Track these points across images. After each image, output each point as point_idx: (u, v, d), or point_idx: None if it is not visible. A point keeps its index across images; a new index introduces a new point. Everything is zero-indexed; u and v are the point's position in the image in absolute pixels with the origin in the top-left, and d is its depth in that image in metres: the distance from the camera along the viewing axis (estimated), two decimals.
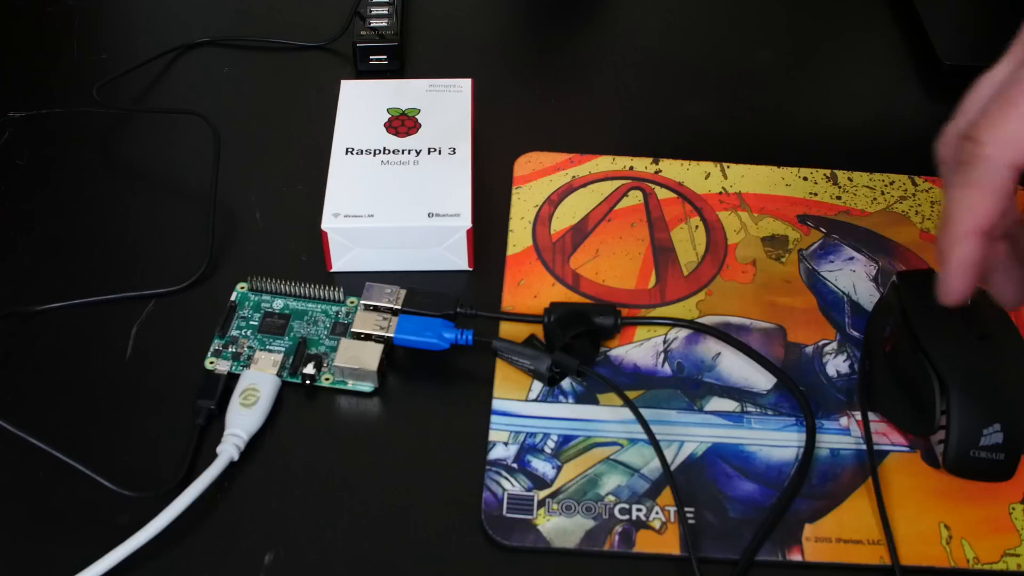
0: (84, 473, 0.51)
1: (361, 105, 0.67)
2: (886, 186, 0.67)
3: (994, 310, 0.56)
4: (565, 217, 0.64)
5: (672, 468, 0.53)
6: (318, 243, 0.61)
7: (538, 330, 0.58)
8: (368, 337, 0.57)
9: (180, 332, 0.59)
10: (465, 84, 0.68)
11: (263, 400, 0.54)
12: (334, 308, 0.59)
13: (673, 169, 0.67)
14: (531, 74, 0.76)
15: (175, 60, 0.75)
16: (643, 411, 0.54)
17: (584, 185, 0.66)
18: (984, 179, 0.44)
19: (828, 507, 0.52)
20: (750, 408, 0.56)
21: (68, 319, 0.59)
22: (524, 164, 0.68)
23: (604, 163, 0.68)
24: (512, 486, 0.52)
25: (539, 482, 0.53)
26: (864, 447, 0.54)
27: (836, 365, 0.58)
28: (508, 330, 0.59)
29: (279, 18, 0.79)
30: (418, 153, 0.64)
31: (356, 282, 0.59)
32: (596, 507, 0.52)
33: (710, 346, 0.58)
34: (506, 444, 0.54)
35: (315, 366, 0.56)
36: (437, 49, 0.77)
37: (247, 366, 0.56)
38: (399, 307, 0.57)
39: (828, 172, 0.67)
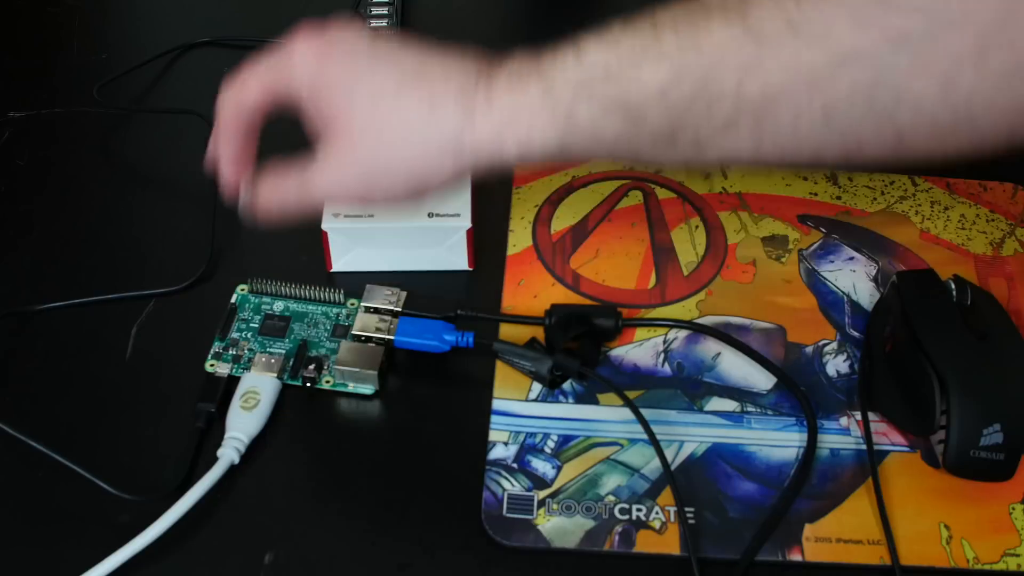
0: (84, 476, 0.51)
1: None
2: (886, 186, 0.67)
3: (994, 310, 0.56)
4: (565, 217, 0.64)
5: (672, 468, 0.53)
6: (318, 243, 0.61)
7: (539, 332, 0.58)
8: (369, 339, 0.57)
9: (180, 332, 0.59)
10: None
11: (264, 403, 0.54)
12: (335, 310, 0.59)
13: (673, 169, 0.67)
14: None
15: (175, 60, 0.75)
16: (643, 411, 0.54)
17: (584, 185, 0.66)
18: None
19: (828, 507, 0.52)
20: (750, 408, 0.56)
21: (68, 319, 0.59)
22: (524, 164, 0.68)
23: (604, 163, 0.68)
24: (512, 486, 0.52)
25: (539, 482, 0.53)
26: (864, 447, 0.54)
27: (836, 365, 0.58)
28: (508, 331, 0.59)
29: (279, 18, 0.79)
30: None
31: (356, 284, 0.59)
32: (596, 507, 0.52)
33: (710, 346, 0.58)
34: (506, 444, 0.54)
35: (316, 368, 0.56)
36: None
37: (248, 369, 0.56)
38: (399, 309, 0.57)
39: (828, 172, 0.67)
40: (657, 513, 0.51)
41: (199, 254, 0.62)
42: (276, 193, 0.50)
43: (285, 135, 0.70)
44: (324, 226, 0.60)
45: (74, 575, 0.48)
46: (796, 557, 0.50)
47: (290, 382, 0.56)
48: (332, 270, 0.62)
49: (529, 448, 0.54)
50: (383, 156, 0.46)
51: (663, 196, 0.66)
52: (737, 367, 0.57)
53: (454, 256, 0.61)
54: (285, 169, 0.49)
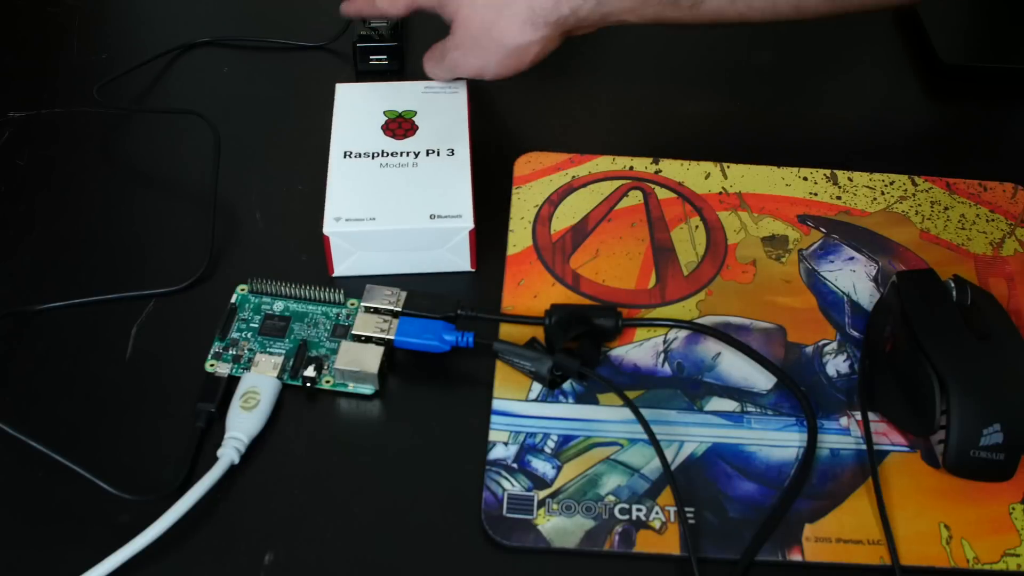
0: (84, 476, 0.51)
1: (357, 108, 0.67)
2: (886, 186, 0.67)
3: (994, 310, 0.56)
4: (565, 217, 0.64)
5: (672, 468, 0.53)
6: (318, 243, 0.61)
7: (539, 332, 0.58)
8: (369, 339, 0.57)
9: (180, 332, 0.59)
10: (460, 84, 0.68)
11: (263, 403, 0.54)
12: (334, 310, 0.59)
13: (673, 169, 0.67)
14: (531, 74, 0.76)
15: (175, 60, 0.75)
16: (643, 411, 0.54)
17: (584, 185, 0.66)
18: None
19: (828, 507, 0.52)
20: (750, 408, 0.56)
21: (68, 319, 0.59)
22: (524, 164, 0.68)
23: (604, 163, 0.68)
24: (512, 486, 0.52)
25: (539, 482, 0.53)
26: (864, 447, 0.54)
27: (836, 365, 0.58)
28: (508, 331, 0.59)
29: (279, 18, 0.79)
30: (416, 155, 0.63)
31: (357, 284, 0.59)
32: (596, 507, 0.52)
33: (710, 346, 0.58)
34: (506, 444, 0.54)
35: (316, 369, 0.56)
36: None
37: (247, 369, 0.56)
38: (400, 309, 0.57)
39: (828, 172, 0.67)
40: (657, 513, 0.51)
41: (199, 254, 0.62)
42: (431, 68, 0.67)
43: (285, 133, 0.71)
44: (326, 230, 0.60)
45: (74, 575, 0.48)
46: (796, 557, 0.50)
47: (290, 382, 0.56)
48: (334, 275, 0.62)
49: (529, 448, 0.54)
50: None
51: (663, 196, 0.66)
52: (737, 367, 0.57)
53: (456, 257, 0.61)
54: (436, 47, 0.67)
